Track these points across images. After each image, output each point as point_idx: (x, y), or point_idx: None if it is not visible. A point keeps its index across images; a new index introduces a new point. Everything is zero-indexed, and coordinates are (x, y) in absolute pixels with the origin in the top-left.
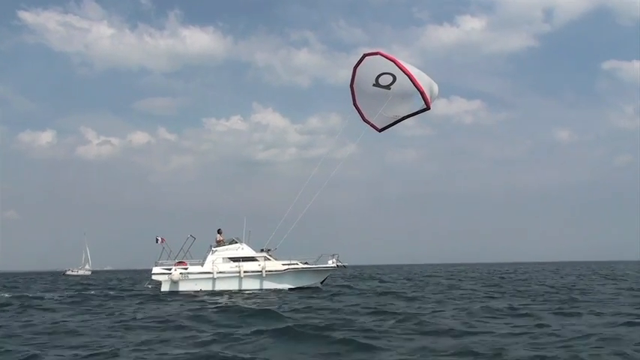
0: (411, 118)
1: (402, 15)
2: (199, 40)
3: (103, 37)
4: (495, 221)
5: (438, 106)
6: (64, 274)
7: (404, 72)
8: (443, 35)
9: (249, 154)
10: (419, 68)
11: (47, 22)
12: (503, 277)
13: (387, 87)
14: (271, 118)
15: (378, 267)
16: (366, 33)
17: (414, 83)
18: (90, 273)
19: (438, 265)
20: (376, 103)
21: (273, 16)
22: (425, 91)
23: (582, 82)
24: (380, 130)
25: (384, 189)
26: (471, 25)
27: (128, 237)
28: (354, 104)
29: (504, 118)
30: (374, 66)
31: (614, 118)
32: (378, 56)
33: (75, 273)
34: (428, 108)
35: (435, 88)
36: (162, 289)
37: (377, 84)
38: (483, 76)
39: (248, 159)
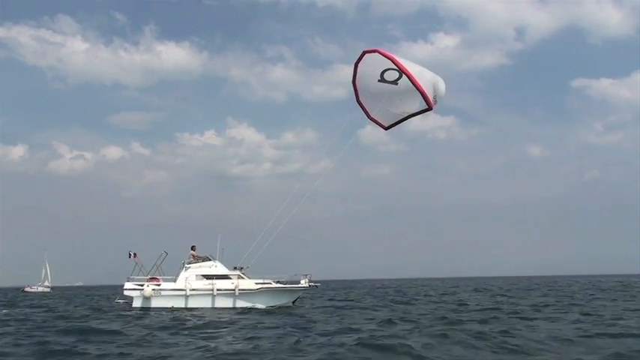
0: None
1: (377, 32)
2: (175, 56)
3: (77, 52)
4: (467, 235)
5: (413, 122)
6: (22, 290)
7: (402, 71)
8: (417, 52)
9: (224, 168)
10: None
11: (20, 36)
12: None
13: (394, 82)
14: (246, 133)
15: (351, 281)
16: (341, 49)
17: (413, 83)
18: (49, 290)
19: (411, 279)
20: (382, 99)
21: (249, 31)
22: (425, 91)
23: (553, 99)
24: (386, 128)
25: (358, 204)
26: (445, 42)
27: (101, 252)
28: (357, 101)
29: (477, 134)
30: (377, 62)
31: (583, 134)
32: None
33: (34, 290)
34: (430, 108)
35: (441, 85)
36: (134, 305)
37: (382, 79)
38: (457, 92)
39: (223, 174)
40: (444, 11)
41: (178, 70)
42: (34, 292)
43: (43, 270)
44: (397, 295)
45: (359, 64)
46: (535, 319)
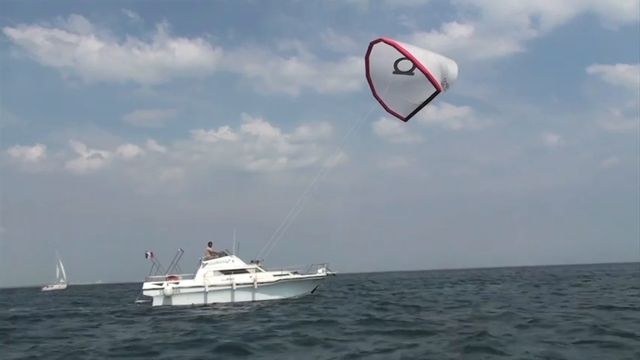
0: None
1: (389, 23)
2: (188, 52)
3: (92, 51)
4: (485, 226)
5: (427, 113)
6: (40, 290)
7: (406, 56)
8: (431, 42)
9: (240, 164)
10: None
11: (34, 37)
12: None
13: (410, 72)
14: (261, 128)
15: (369, 274)
16: (354, 41)
17: (416, 65)
18: (65, 287)
19: (426, 271)
20: (400, 91)
21: (261, 26)
22: (430, 74)
23: (569, 87)
24: (406, 119)
25: (374, 196)
26: (459, 32)
27: (119, 250)
28: (375, 95)
29: (493, 124)
30: (387, 53)
31: (601, 121)
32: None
33: (50, 288)
34: (438, 91)
35: (452, 68)
36: (155, 304)
37: (397, 71)
38: (471, 82)
39: (239, 169)
40: (456, 0)
41: (192, 66)
42: (51, 291)
43: (57, 268)
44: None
45: (369, 57)
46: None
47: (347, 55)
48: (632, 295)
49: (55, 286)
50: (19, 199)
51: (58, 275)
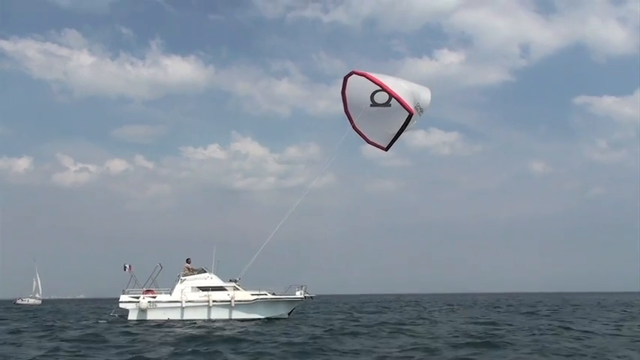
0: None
1: (381, 48)
2: (181, 70)
3: (84, 66)
4: (470, 251)
5: (417, 138)
6: (14, 302)
7: (377, 84)
8: (422, 68)
9: (228, 182)
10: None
11: (26, 49)
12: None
13: (387, 104)
14: (250, 147)
15: (352, 297)
16: (346, 64)
17: (387, 92)
18: (40, 302)
19: (409, 294)
20: (378, 122)
21: (254, 46)
22: (401, 98)
23: (556, 116)
24: (386, 149)
25: (360, 218)
26: (450, 59)
27: (103, 265)
28: (354, 128)
29: (481, 150)
30: (363, 86)
31: (587, 151)
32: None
33: (25, 302)
34: (411, 114)
35: (424, 94)
36: (130, 318)
37: (374, 103)
38: (461, 108)
39: (226, 187)
40: (448, 28)
41: (184, 83)
42: (25, 304)
43: (34, 281)
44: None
45: (346, 92)
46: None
47: (338, 78)
48: None
49: (30, 300)
50: (3, 210)
51: (34, 289)
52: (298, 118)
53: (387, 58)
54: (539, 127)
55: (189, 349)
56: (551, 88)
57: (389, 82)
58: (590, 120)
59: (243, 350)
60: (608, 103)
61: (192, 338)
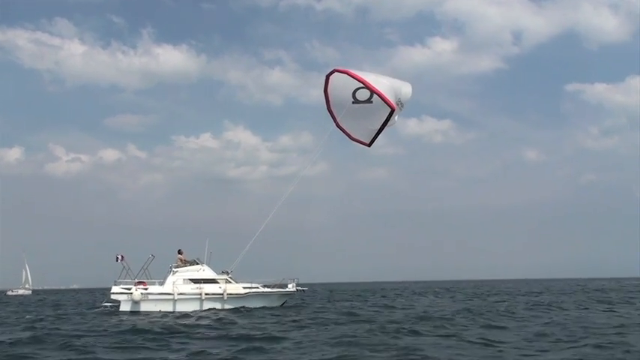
0: (392, 122)
1: (374, 36)
2: (172, 59)
3: (75, 55)
4: (463, 238)
5: (410, 125)
6: (5, 294)
7: (359, 81)
8: (415, 56)
9: (221, 171)
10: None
11: (17, 39)
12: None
13: (369, 101)
14: (243, 135)
15: (346, 284)
16: (338, 53)
17: (369, 88)
18: (30, 293)
19: (402, 282)
20: (361, 118)
21: (246, 35)
22: (383, 94)
23: (548, 104)
24: (369, 145)
25: (353, 207)
26: (442, 46)
27: (96, 255)
28: (337, 126)
29: (474, 138)
30: (344, 84)
31: (579, 138)
32: (344, 74)
33: (15, 293)
34: (392, 109)
35: (405, 89)
36: (122, 309)
37: (356, 100)
38: (453, 96)
39: (219, 176)
40: (441, 15)
41: (176, 73)
42: (14, 296)
43: (24, 272)
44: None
45: (328, 90)
46: None
47: (331, 66)
48: None
49: (20, 291)
50: None
51: (23, 280)
52: (291, 107)
53: (380, 46)
54: (531, 115)
55: None
56: (543, 76)
57: (370, 78)
58: (582, 107)
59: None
60: (599, 90)
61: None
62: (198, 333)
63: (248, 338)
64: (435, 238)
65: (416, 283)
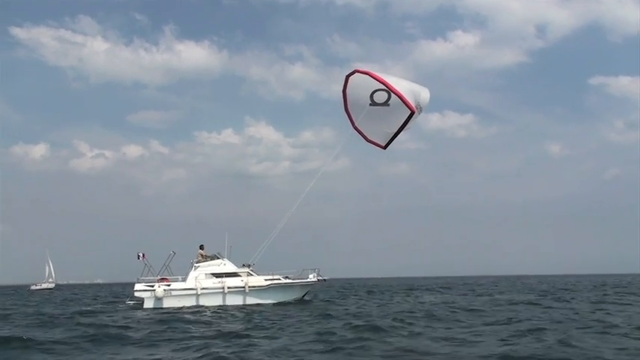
0: (409, 125)
1: (395, 30)
2: (194, 55)
3: (98, 52)
4: (485, 234)
5: (432, 120)
6: (29, 289)
7: (381, 82)
8: (436, 50)
9: (243, 167)
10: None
11: (41, 36)
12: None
13: (386, 104)
14: (264, 131)
15: (367, 280)
16: (360, 47)
17: (391, 90)
18: (53, 286)
19: (425, 277)
20: (377, 121)
21: (268, 31)
22: (404, 96)
23: (572, 97)
24: (385, 147)
25: (376, 202)
26: (464, 40)
27: (119, 250)
28: (354, 127)
29: (496, 132)
30: (363, 85)
31: (604, 132)
32: (364, 74)
33: (38, 287)
34: (412, 112)
35: (424, 93)
36: (145, 306)
37: (373, 102)
38: (476, 90)
39: (241, 172)
40: (463, 9)
41: (198, 69)
42: (39, 290)
43: (47, 267)
44: None
45: (347, 90)
46: None
47: (352, 61)
48: None
49: (44, 285)
50: (21, 197)
51: (47, 275)
52: (312, 102)
53: (401, 40)
54: (555, 109)
55: None
56: (567, 69)
57: (391, 80)
58: (606, 101)
59: None
60: (624, 83)
61: None
62: None
63: None
64: (456, 234)
65: (437, 278)
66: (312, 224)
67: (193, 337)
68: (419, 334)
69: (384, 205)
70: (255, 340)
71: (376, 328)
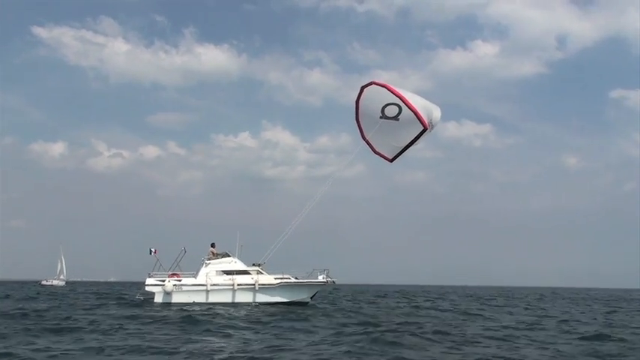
0: (419, 141)
1: (415, 38)
2: (214, 58)
3: (119, 53)
4: (500, 244)
5: (449, 129)
6: (39, 284)
7: (397, 96)
8: (455, 59)
9: (258, 170)
10: (430, 91)
11: (62, 36)
12: None
13: (395, 118)
14: (281, 136)
15: (377, 286)
16: (379, 55)
17: (407, 105)
18: (64, 284)
19: (433, 286)
20: (386, 134)
21: (287, 36)
22: (419, 112)
23: (591, 110)
24: (391, 161)
25: (390, 209)
26: (484, 50)
27: (133, 249)
28: (363, 138)
29: (513, 143)
30: (376, 97)
31: (622, 145)
32: (378, 87)
33: (49, 283)
34: (425, 129)
35: (436, 112)
36: (156, 301)
37: (384, 116)
38: (494, 100)
39: (256, 175)
40: (483, 18)
41: (217, 72)
42: (50, 285)
43: (59, 264)
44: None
45: (360, 101)
46: None
47: (371, 68)
48: None
49: (54, 282)
50: (38, 194)
51: (58, 271)
52: (330, 108)
53: (420, 49)
54: (573, 121)
55: None
56: (586, 81)
57: (407, 95)
58: (626, 114)
59: None
60: None
61: None
62: None
63: None
64: (470, 243)
65: (452, 287)
66: (324, 229)
67: None
68: None
69: (397, 213)
70: None
71: None
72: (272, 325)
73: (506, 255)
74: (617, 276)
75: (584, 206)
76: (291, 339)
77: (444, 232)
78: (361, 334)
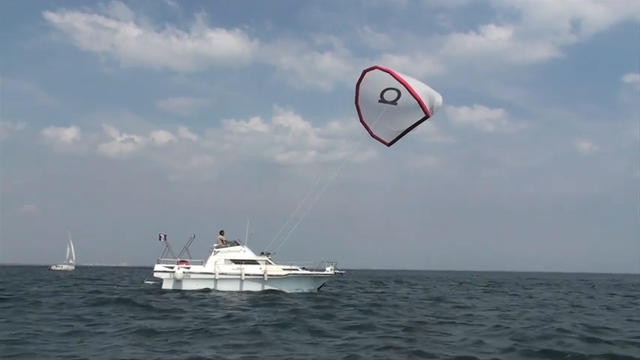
0: (422, 125)
1: (427, 22)
2: (225, 43)
3: (130, 38)
4: (511, 229)
5: (461, 114)
6: (49, 268)
7: (400, 82)
8: (467, 43)
9: (270, 155)
10: (441, 76)
11: (74, 21)
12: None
13: (394, 102)
14: (292, 120)
15: (382, 272)
16: (390, 39)
17: (410, 92)
18: (73, 268)
19: (446, 271)
20: (384, 118)
21: (298, 20)
22: (422, 100)
23: (604, 94)
24: (389, 145)
25: (401, 195)
26: (497, 34)
27: (146, 234)
28: (361, 121)
29: (526, 127)
30: (376, 82)
31: (635, 130)
32: (379, 71)
33: (59, 268)
34: (427, 116)
35: (438, 98)
36: (164, 287)
37: (382, 100)
38: (507, 85)
39: (268, 160)
40: (496, 2)
41: (228, 56)
42: (59, 270)
43: (68, 248)
44: None
45: (360, 85)
46: None
47: (383, 52)
48: None
49: (64, 267)
50: (50, 179)
51: (67, 256)
52: (341, 93)
53: (432, 33)
54: (586, 105)
55: None
56: (600, 66)
57: (410, 81)
58: (639, 98)
59: None
60: None
61: None
62: None
63: None
64: (481, 228)
65: (460, 272)
66: (336, 214)
67: None
68: None
69: (408, 198)
70: None
71: None
72: None
73: (518, 241)
74: (630, 261)
75: (597, 191)
76: None
77: (454, 218)
78: None
